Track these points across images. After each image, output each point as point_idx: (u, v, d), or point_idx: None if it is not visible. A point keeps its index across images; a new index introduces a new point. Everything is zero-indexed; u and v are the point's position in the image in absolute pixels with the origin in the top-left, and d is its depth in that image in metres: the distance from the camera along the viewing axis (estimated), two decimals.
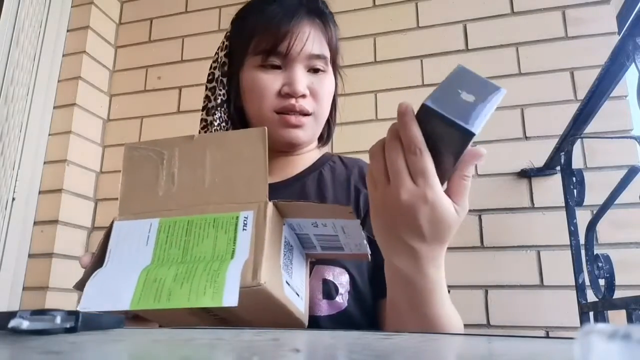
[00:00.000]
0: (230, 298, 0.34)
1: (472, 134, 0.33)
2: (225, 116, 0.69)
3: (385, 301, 0.50)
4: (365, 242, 0.45)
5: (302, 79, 0.62)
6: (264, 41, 0.63)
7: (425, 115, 0.35)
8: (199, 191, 0.43)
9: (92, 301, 0.38)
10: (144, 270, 0.39)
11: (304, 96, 0.62)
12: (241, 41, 0.67)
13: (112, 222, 0.45)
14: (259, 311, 0.41)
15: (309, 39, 0.64)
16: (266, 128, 0.43)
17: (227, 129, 0.70)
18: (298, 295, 0.44)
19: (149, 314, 0.42)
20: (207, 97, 0.72)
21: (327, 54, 0.66)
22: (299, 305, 0.44)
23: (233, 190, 0.42)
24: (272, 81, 0.63)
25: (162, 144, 0.47)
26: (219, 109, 0.69)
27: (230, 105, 0.69)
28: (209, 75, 0.73)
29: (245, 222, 0.39)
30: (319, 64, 0.64)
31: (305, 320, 0.46)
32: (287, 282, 0.41)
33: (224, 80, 0.70)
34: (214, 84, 0.71)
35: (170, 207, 0.43)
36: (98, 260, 0.43)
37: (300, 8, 0.65)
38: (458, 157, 0.37)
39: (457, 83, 0.35)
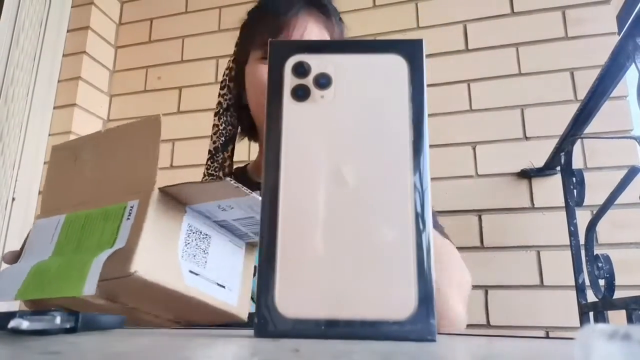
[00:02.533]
0: (89, 288, 0.34)
1: None
2: (232, 120, 0.71)
3: None
4: None
5: None
6: (264, 34, 0.65)
7: None
8: (101, 184, 0.44)
9: None
10: (37, 264, 0.41)
11: None
12: (245, 38, 0.68)
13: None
14: (165, 303, 0.41)
15: (307, 30, 0.64)
16: (160, 116, 0.43)
17: (232, 133, 0.72)
18: (222, 286, 0.43)
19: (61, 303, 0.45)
20: (219, 103, 0.75)
21: None
22: (224, 298, 0.43)
23: (128, 180, 0.42)
24: None
25: (79, 141, 0.48)
26: (225, 113, 0.71)
27: (236, 107, 0.71)
28: (221, 82, 0.75)
29: (130, 211, 0.39)
30: None
31: (240, 314, 0.45)
32: (192, 271, 0.41)
33: (231, 85, 0.72)
34: (225, 90, 0.73)
35: (77, 202, 0.44)
36: (17, 258, 0.45)
37: (308, 5, 0.66)
38: None
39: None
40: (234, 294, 0.45)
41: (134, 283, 0.36)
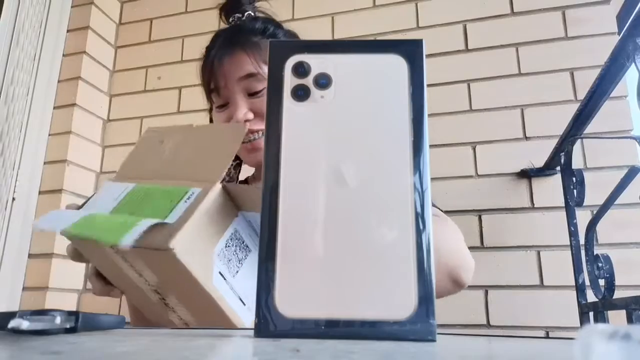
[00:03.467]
0: (126, 241, 0.36)
1: None
2: None
3: None
4: None
5: (240, 107, 0.67)
6: (205, 84, 0.72)
7: None
8: (175, 167, 0.47)
9: (42, 222, 0.43)
10: (93, 213, 0.44)
11: (248, 121, 0.67)
12: (203, 85, 0.75)
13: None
14: (187, 294, 0.42)
15: (231, 68, 0.68)
16: (246, 126, 0.48)
17: None
18: (244, 303, 0.43)
19: (82, 249, 0.48)
20: None
21: (260, 69, 0.67)
22: (241, 314, 0.43)
23: (199, 170, 0.44)
24: (223, 119, 0.70)
25: (170, 129, 0.52)
26: None
27: None
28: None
29: (190, 196, 0.41)
30: (254, 84, 0.68)
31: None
32: (221, 274, 0.41)
33: (208, 120, 0.81)
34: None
35: (149, 177, 0.47)
36: (80, 207, 0.49)
37: (220, 45, 0.71)
38: None
39: None
40: (250, 315, 0.44)
41: (168, 260, 0.37)
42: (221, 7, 0.79)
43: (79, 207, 0.49)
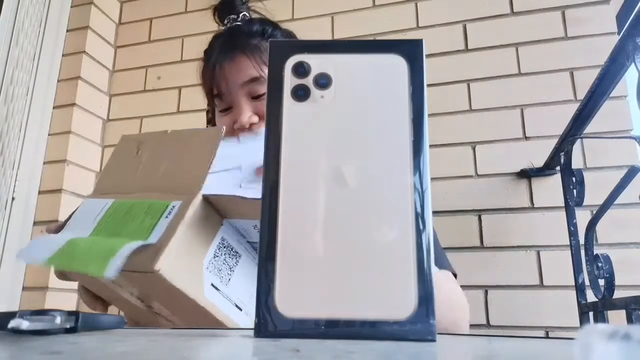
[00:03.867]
0: (110, 272, 0.35)
1: None
2: None
3: None
4: None
5: (245, 111, 0.67)
6: (206, 88, 0.71)
7: None
8: (154, 179, 0.45)
9: (24, 253, 0.42)
10: (74, 238, 0.42)
11: (253, 124, 0.67)
12: (204, 88, 0.74)
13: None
14: (180, 306, 0.41)
15: (233, 72, 0.68)
16: (224, 128, 0.45)
17: None
18: (240, 308, 0.43)
19: (79, 279, 0.47)
20: None
21: (262, 71, 0.67)
22: (238, 320, 0.43)
23: (178, 181, 0.43)
24: (227, 122, 0.69)
25: (145, 136, 0.50)
26: None
27: None
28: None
29: (170, 210, 0.40)
30: (257, 88, 0.67)
31: None
32: (214, 285, 0.41)
33: (207, 125, 0.79)
34: (207, 125, 0.80)
35: (128, 191, 0.45)
36: (61, 229, 0.46)
37: (220, 49, 0.70)
38: None
39: None
40: (249, 319, 0.44)
41: (156, 280, 0.36)
42: (214, 9, 0.78)
43: (61, 227, 0.47)
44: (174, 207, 0.40)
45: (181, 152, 0.45)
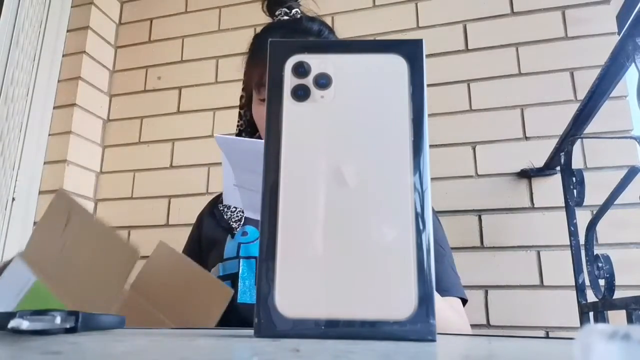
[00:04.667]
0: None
1: None
2: None
3: None
4: None
5: None
6: (256, 75, 0.68)
7: None
8: (69, 274, 0.46)
9: None
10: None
11: None
12: (248, 74, 0.73)
13: (16, 254, 0.50)
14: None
15: None
16: (139, 253, 0.44)
17: None
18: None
19: None
20: (236, 126, 0.80)
21: None
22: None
23: (90, 295, 0.43)
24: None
25: (77, 209, 0.49)
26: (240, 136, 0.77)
27: (247, 132, 0.76)
28: (240, 101, 0.80)
29: None
30: None
31: None
32: None
33: (242, 112, 0.78)
34: (238, 116, 0.79)
35: (49, 273, 0.46)
36: None
37: (281, 33, 0.69)
38: None
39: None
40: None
41: None
42: (264, 0, 0.77)
43: None
44: None
45: (98, 257, 0.45)
